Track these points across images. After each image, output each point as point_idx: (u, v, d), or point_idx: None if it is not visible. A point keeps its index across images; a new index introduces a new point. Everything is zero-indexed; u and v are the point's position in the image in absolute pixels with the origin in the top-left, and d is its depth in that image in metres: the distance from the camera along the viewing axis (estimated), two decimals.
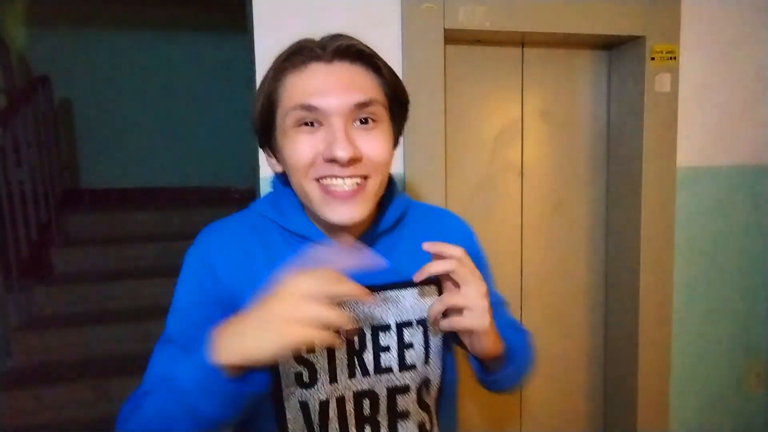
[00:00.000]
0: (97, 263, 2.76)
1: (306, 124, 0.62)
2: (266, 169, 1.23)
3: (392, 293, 0.70)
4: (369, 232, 0.70)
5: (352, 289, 0.54)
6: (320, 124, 0.62)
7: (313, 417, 0.67)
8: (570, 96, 1.64)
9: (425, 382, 0.72)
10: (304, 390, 0.66)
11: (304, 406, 0.66)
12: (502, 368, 0.71)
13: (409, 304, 0.71)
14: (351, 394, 0.68)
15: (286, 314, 0.51)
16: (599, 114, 1.66)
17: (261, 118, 0.66)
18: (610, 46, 1.61)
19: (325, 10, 1.29)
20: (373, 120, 0.64)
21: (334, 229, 0.67)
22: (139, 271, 2.73)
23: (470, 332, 0.66)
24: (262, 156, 1.19)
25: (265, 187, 1.22)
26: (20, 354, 2.26)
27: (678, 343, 1.61)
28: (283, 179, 0.71)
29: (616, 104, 1.62)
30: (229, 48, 3.82)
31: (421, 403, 0.72)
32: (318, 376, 0.66)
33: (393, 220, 0.72)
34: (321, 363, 0.67)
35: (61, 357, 2.27)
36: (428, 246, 0.65)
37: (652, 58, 1.48)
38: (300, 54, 0.63)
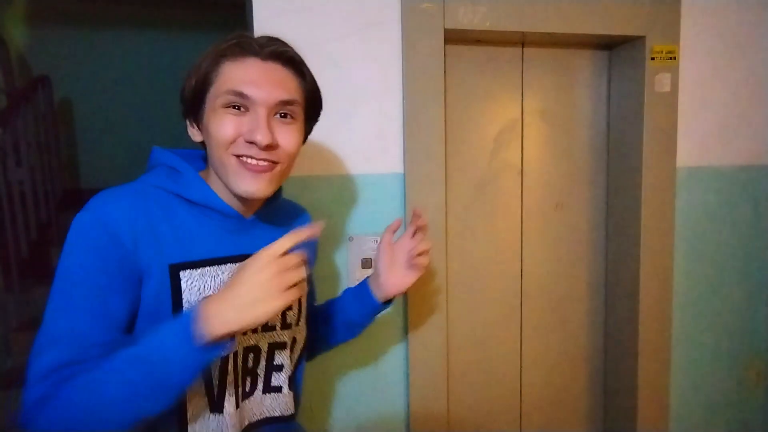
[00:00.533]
0: None
1: (234, 107, 0.71)
2: None
3: None
4: (261, 210, 0.83)
5: (291, 258, 0.66)
6: (246, 110, 0.71)
7: (213, 372, 0.74)
8: (570, 96, 1.64)
9: (294, 340, 0.88)
10: None
11: None
12: (388, 306, 1.00)
13: None
14: (242, 348, 0.79)
15: (279, 284, 0.63)
16: (599, 114, 1.66)
17: (193, 92, 0.74)
18: (610, 46, 1.61)
19: (324, 10, 1.29)
20: (291, 117, 0.75)
21: (237, 201, 0.78)
22: None
23: (420, 270, 0.96)
24: None
25: None
26: (20, 354, 2.26)
27: (678, 343, 1.61)
28: (165, 155, 0.81)
29: (616, 104, 1.62)
30: None
31: (291, 358, 0.87)
32: None
33: (278, 205, 0.88)
34: None
35: None
36: (417, 210, 0.97)
37: (652, 58, 1.48)
38: (240, 47, 0.72)
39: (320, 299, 1.18)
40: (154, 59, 3.82)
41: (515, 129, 1.62)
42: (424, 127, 1.35)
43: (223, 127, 0.71)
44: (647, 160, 1.51)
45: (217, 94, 0.71)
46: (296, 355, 0.90)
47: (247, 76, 0.71)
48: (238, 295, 0.62)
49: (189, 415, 0.72)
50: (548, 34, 1.44)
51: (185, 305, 0.71)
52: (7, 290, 2.35)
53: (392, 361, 1.41)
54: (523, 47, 1.59)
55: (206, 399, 0.73)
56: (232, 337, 0.64)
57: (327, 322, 1.04)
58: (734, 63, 1.58)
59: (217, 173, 0.76)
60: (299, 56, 0.77)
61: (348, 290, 1.06)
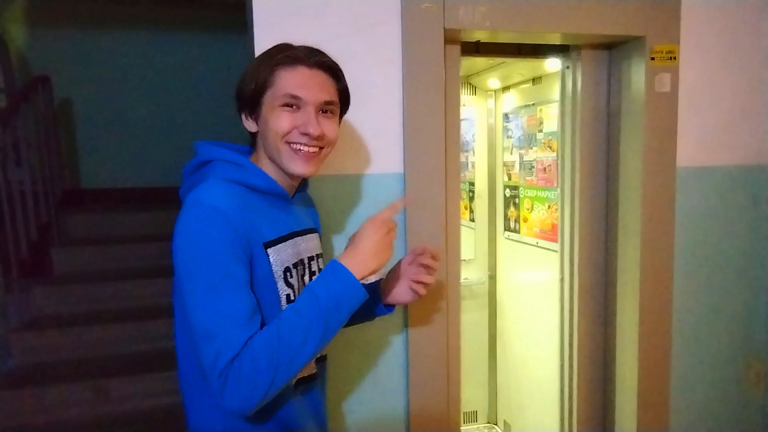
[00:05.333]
0: (97, 263, 2.75)
1: (289, 105, 0.89)
2: None
3: (307, 236, 1.01)
4: (297, 193, 1.03)
5: (394, 223, 0.93)
6: (298, 108, 0.90)
7: None
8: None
9: None
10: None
11: None
12: (391, 310, 1.16)
13: (312, 244, 1.02)
14: None
15: (386, 243, 0.90)
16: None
17: (252, 94, 0.91)
18: (610, 46, 1.61)
19: (324, 10, 1.29)
20: (332, 112, 0.94)
21: (286, 183, 0.96)
22: (139, 271, 2.73)
23: (415, 296, 1.10)
24: None
25: None
26: (20, 354, 2.26)
27: (678, 343, 1.61)
28: (219, 151, 0.95)
29: (616, 104, 1.62)
30: (229, 48, 3.82)
31: None
32: (296, 295, 0.93)
33: (306, 188, 1.09)
34: (296, 285, 0.94)
35: (61, 357, 2.27)
36: (431, 251, 1.10)
37: (652, 58, 1.48)
38: (291, 58, 0.90)
39: None
40: (153, 59, 3.82)
41: None
42: (424, 127, 1.35)
43: (281, 121, 0.89)
44: (647, 160, 1.51)
45: (275, 96, 0.89)
46: None
47: (299, 81, 0.89)
48: (362, 252, 0.88)
49: None
50: (548, 34, 1.44)
51: (275, 276, 0.89)
52: (7, 290, 2.35)
53: (392, 361, 1.41)
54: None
55: None
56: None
57: None
58: (734, 63, 1.58)
59: (271, 157, 0.93)
60: (336, 64, 0.94)
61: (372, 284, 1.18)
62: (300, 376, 0.95)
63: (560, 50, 1.66)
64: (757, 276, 1.67)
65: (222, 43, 3.86)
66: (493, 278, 2.42)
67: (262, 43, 1.26)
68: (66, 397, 2.08)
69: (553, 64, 1.82)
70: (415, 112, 1.35)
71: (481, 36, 1.47)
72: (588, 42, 1.58)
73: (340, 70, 0.96)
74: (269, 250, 0.89)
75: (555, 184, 1.90)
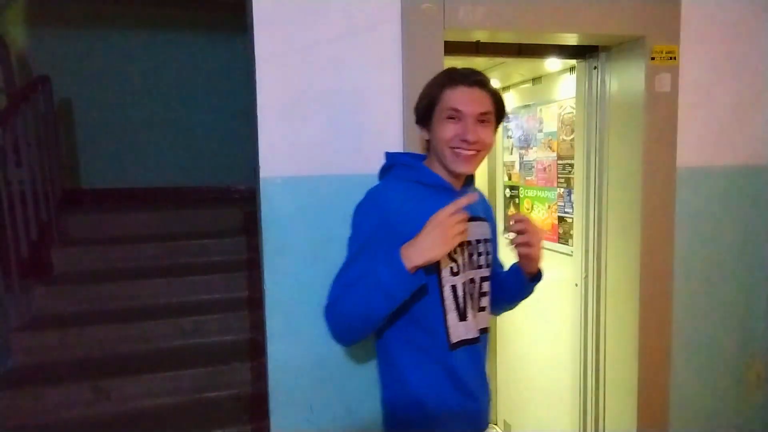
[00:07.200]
0: (97, 263, 2.75)
1: (451, 118, 1.11)
2: (266, 169, 1.26)
3: (477, 222, 1.18)
4: (465, 186, 1.22)
5: (461, 216, 1.02)
6: (459, 119, 1.11)
7: (458, 293, 1.14)
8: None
9: (486, 277, 1.23)
10: (453, 277, 1.12)
11: (453, 288, 1.13)
12: (535, 281, 1.26)
13: (480, 230, 1.20)
14: (468, 280, 1.16)
15: (447, 235, 1.00)
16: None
17: (425, 109, 1.15)
18: (610, 46, 1.61)
19: (325, 10, 1.29)
20: (487, 121, 1.13)
21: (451, 179, 1.17)
22: (139, 271, 2.73)
23: (523, 257, 1.21)
24: (262, 156, 1.21)
25: (266, 186, 1.26)
26: (20, 354, 2.26)
27: (678, 344, 1.61)
28: (400, 157, 1.23)
29: (616, 104, 1.62)
30: (228, 48, 3.82)
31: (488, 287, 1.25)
32: (459, 270, 1.13)
33: (473, 183, 1.27)
34: (460, 261, 1.13)
35: (61, 357, 2.27)
36: (516, 216, 1.22)
37: (652, 58, 1.48)
38: (452, 80, 1.12)
39: (314, 300, 1.20)
40: (153, 59, 3.82)
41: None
42: None
43: (445, 130, 1.11)
44: (647, 160, 1.51)
45: (442, 110, 1.12)
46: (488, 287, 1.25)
47: (459, 98, 1.10)
48: (421, 242, 1.01)
49: (449, 323, 1.13)
50: (548, 34, 1.44)
51: None
52: (7, 290, 2.35)
53: None
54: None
55: (456, 312, 1.13)
56: (420, 269, 1.02)
57: (498, 286, 1.29)
58: (734, 63, 1.58)
59: (439, 160, 1.15)
60: (488, 80, 1.14)
61: (513, 264, 1.32)
62: (464, 338, 1.15)
63: (561, 50, 1.66)
64: (757, 276, 1.67)
65: (222, 43, 3.86)
66: None
67: (262, 44, 1.27)
68: (66, 397, 2.07)
69: (553, 64, 1.82)
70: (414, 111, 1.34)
71: (481, 36, 1.47)
72: (588, 42, 1.58)
73: (492, 86, 1.15)
74: None
75: (555, 184, 1.90)
